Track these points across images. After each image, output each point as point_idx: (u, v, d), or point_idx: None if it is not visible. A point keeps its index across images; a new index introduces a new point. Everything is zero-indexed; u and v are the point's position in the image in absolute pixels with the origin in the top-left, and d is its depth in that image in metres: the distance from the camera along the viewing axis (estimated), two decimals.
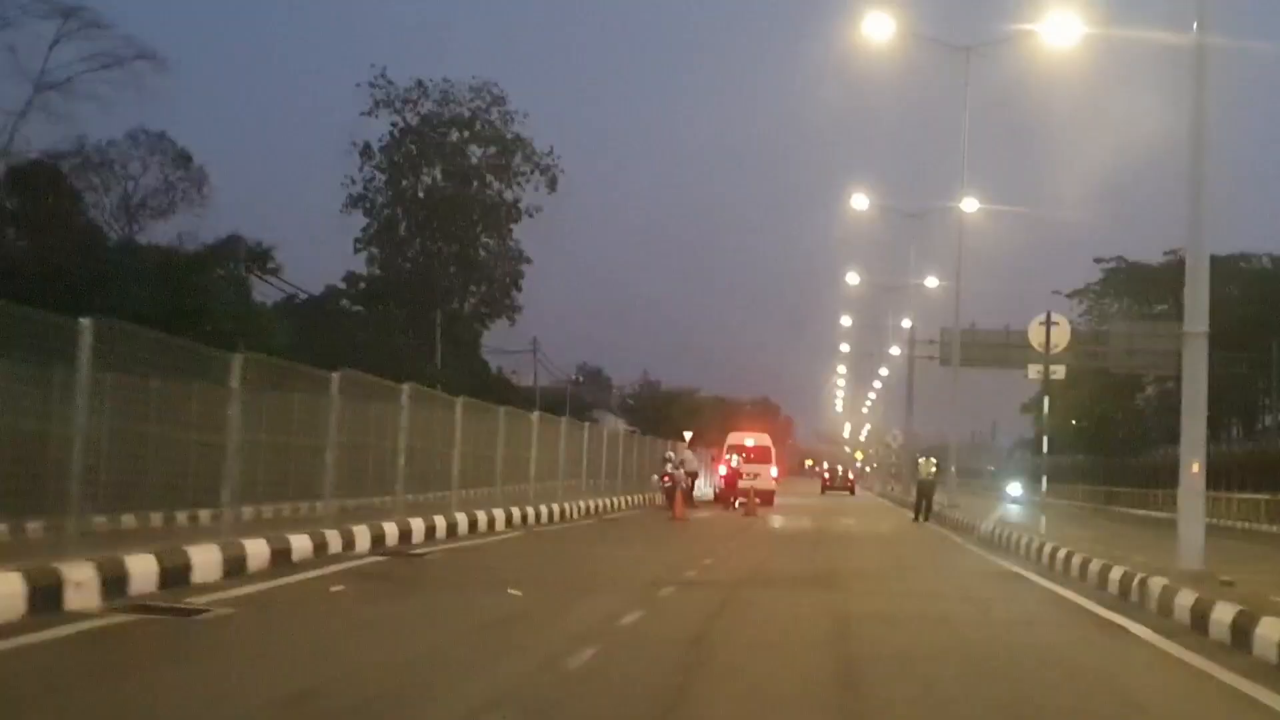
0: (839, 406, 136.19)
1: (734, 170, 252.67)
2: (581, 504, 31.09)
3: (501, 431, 26.57)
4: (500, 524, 23.63)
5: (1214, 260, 17.43)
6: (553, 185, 69.47)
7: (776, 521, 33.62)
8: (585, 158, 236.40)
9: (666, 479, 35.22)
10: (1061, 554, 19.17)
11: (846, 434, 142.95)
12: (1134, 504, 62.22)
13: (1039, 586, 16.99)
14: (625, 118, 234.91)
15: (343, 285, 58.33)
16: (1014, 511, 40.74)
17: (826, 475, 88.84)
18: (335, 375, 16.98)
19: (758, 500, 42.16)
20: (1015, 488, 56.39)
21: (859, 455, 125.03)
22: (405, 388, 19.88)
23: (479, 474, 26.05)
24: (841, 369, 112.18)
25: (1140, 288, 69.05)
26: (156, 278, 33.14)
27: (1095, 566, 16.99)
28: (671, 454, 36.82)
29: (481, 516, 22.72)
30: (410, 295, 58.89)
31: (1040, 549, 20.93)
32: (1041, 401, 31.69)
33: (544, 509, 27.17)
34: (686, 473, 37.29)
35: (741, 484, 42.43)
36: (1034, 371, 27.71)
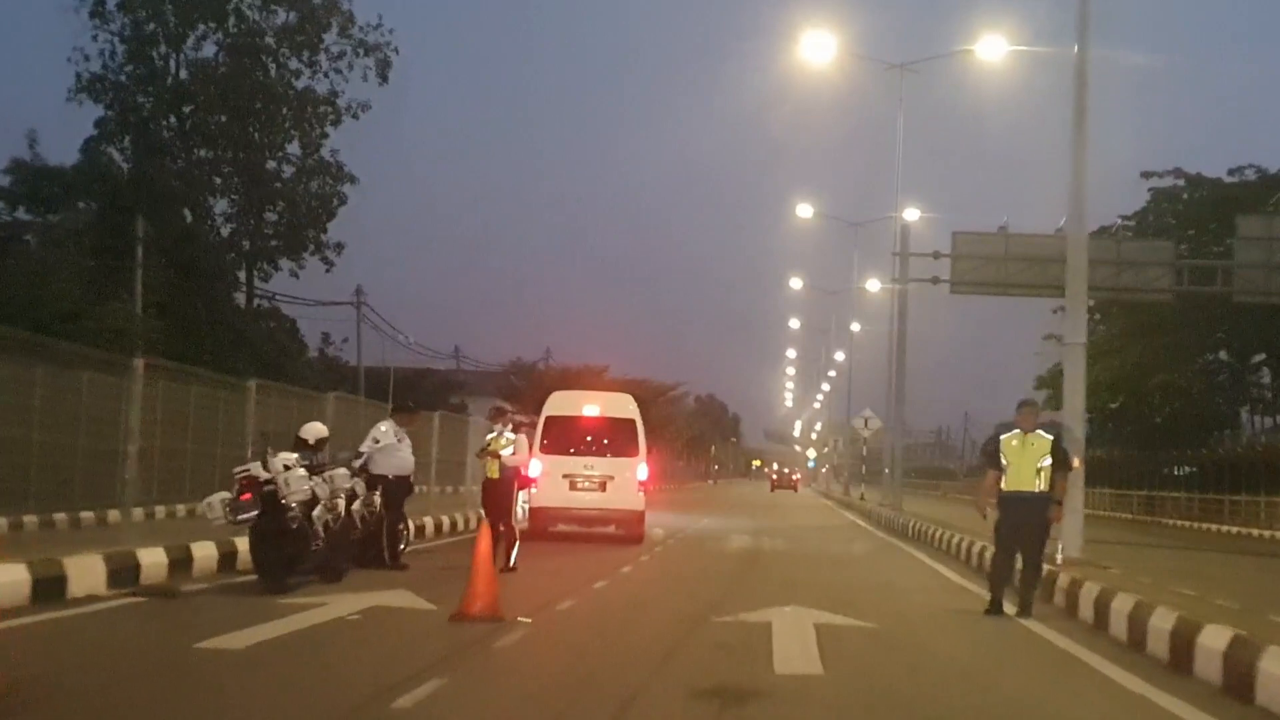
0: (789, 401, 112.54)
1: (643, 62, 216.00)
2: None
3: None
4: None
5: None
6: (384, 73, 45.12)
7: (550, 650, 9.10)
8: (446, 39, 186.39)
9: (246, 499, 10.61)
10: None
11: (798, 432, 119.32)
12: None
13: None
14: None
15: (4, 183, 33.58)
16: None
17: (775, 476, 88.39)
18: None
19: (617, 530, 18.14)
20: None
21: (811, 453, 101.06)
22: None
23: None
24: (791, 353, 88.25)
25: (1210, 213, 44.78)
26: None
27: None
28: (308, 436, 12.06)
29: None
30: (116, 200, 34.06)
31: None
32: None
33: None
34: (369, 477, 12.78)
35: (573, 500, 18.28)
36: None
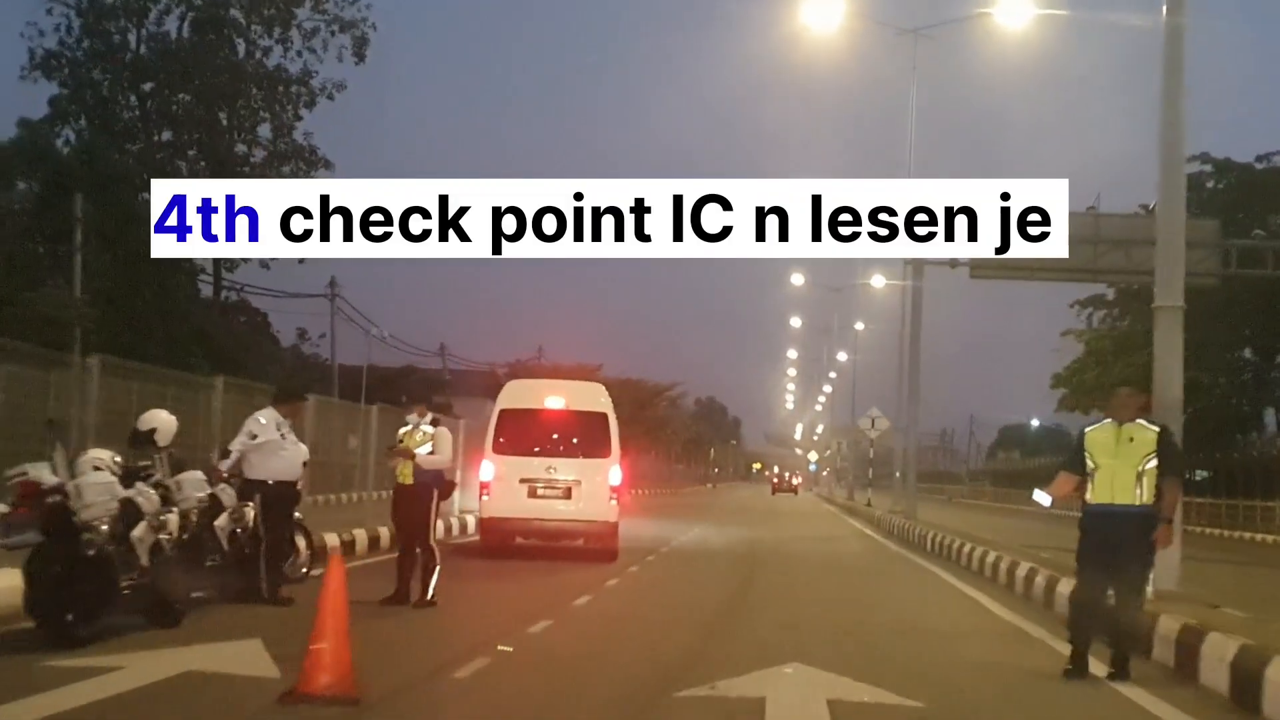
0: (790, 404, 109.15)
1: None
2: None
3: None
4: None
5: None
6: (360, 52, 41.80)
7: None
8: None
9: (22, 514, 7.32)
10: None
11: (799, 434, 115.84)
12: None
13: None
14: None
15: None
16: None
17: (776, 480, 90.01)
18: None
19: (587, 544, 15.01)
20: None
21: (813, 456, 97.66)
22: None
23: None
24: (792, 353, 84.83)
25: (1238, 200, 41.39)
26: None
27: None
28: (144, 428, 8.78)
29: None
30: (59, 179, 30.81)
31: None
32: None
33: None
34: (244, 483, 9.54)
35: (532, 509, 15.13)
36: None
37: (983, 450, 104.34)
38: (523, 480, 15.37)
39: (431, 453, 10.37)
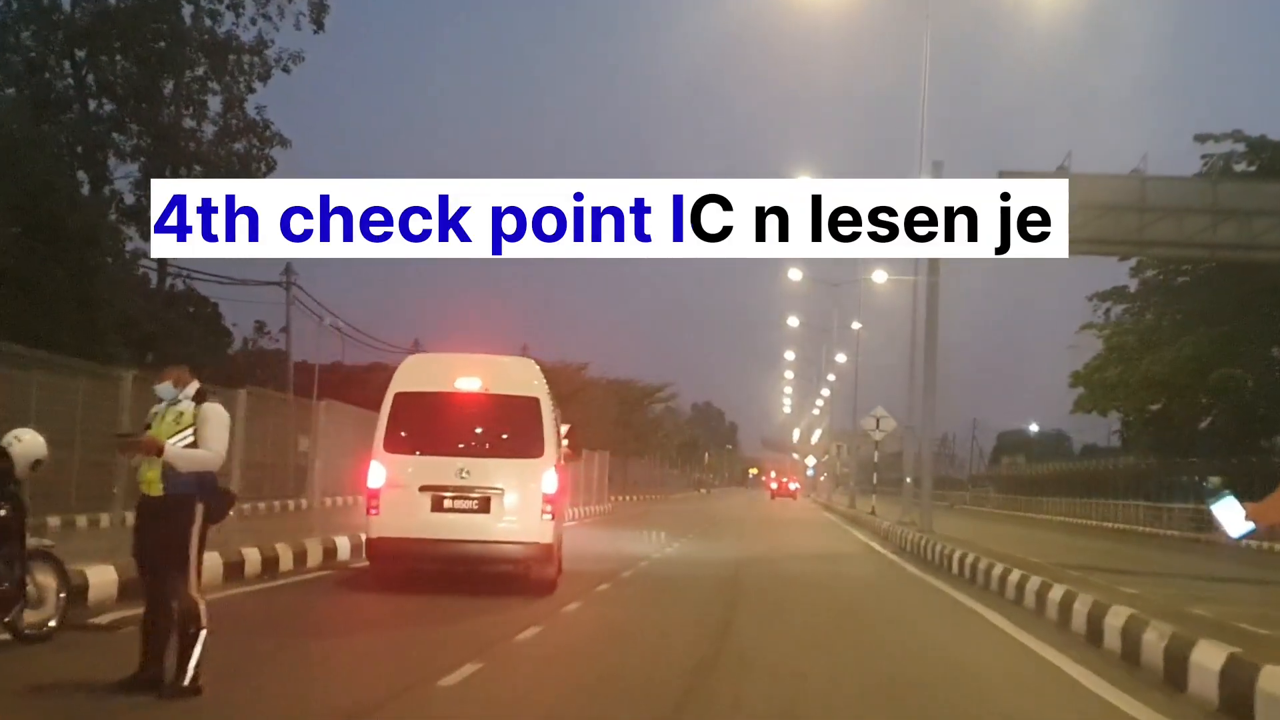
0: (787, 408, 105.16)
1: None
2: None
3: None
4: None
5: None
6: (319, 19, 37.68)
7: None
8: None
9: None
10: None
11: (796, 438, 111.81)
12: None
13: None
14: None
15: None
16: None
17: (774, 486, 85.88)
18: None
19: (517, 570, 10.62)
20: None
21: (810, 460, 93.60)
22: None
23: None
24: (790, 354, 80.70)
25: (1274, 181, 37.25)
26: None
27: None
28: None
29: None
30: None
31: None
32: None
33: None
34: None
35: (438, 527, 10.94)
36: None
37: (984, 456, 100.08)
38: (425, 488, 11.23)
39: (193, 444, 6.24)
